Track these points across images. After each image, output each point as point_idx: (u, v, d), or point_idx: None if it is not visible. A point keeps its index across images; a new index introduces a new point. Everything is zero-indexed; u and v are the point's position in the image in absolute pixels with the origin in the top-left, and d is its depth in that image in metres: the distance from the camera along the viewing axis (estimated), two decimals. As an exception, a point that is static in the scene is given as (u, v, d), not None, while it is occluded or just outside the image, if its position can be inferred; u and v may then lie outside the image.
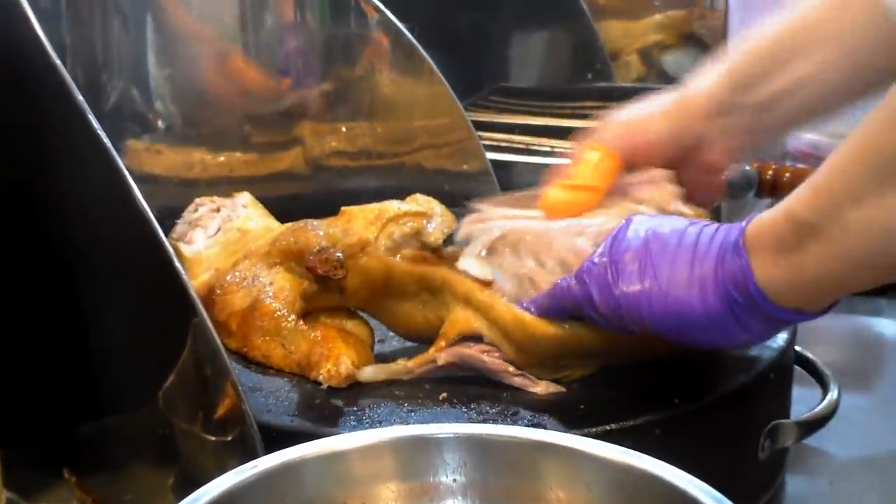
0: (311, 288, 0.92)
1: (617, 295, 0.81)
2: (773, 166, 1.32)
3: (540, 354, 0.89)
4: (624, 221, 0.85)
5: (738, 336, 0.79)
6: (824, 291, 0.76)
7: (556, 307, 0.87)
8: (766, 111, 0.94)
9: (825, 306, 0.78)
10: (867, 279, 0.74)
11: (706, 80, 0.96)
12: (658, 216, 0.87)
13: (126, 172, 0.79)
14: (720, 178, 1.01)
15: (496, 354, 0.90)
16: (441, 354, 0.90)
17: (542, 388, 0.89)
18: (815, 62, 0.91)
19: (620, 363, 0.91)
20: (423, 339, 0.94)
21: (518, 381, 0.89)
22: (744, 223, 0.78)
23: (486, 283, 0.89)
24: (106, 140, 0.79)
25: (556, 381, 0.90)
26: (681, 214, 0.91)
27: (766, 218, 0.77)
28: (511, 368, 0.89)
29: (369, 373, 0.91)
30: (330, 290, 0.92)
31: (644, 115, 0.98)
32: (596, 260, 0.84)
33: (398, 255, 0.92)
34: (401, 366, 0.91)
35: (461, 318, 0.90)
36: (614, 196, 0.95)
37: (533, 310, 0.88)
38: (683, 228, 0.81)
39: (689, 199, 0.96)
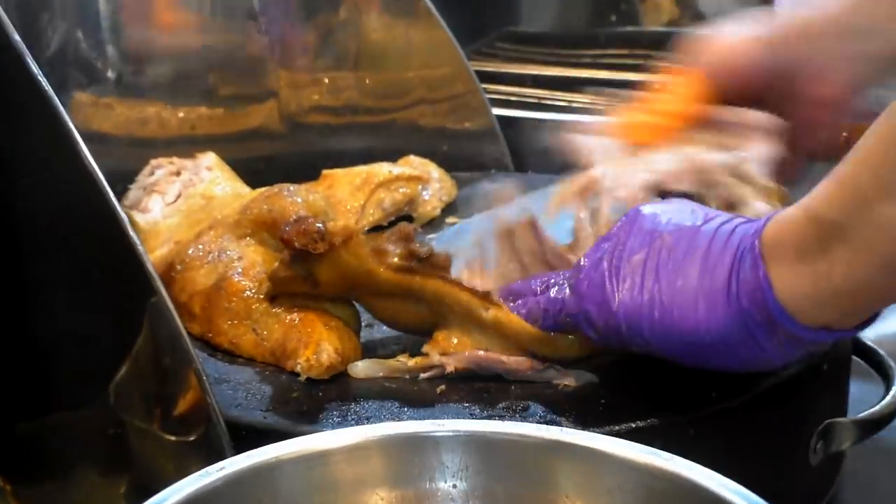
0: (283, 272, 0.92)
1: (615, 311, 0.80)
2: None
3: (568, 362, 0.90)
4: (628, 214, 0.84)
5: (755, 359, 0.78)
6: (856, 304, 0.74)
7: (551, 324, 0.87)
8: None
9: (859, 322, 0.75)
10: None
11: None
12: (673, 204, 0.85)
13: (72, 126, 0.79)
14: (833, 121, 0.97)
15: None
16: (448, 360, 0.90)
17: (573, 379, 0.89)
18: None
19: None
20: (415, 332, 0.95)
21: (546, 374, 0.90)
22: (762, 222, 0.77)
23: (486, 296, 0.90)
24: (48, 88, 0.79)
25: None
26: (750, 184, 0.92)
27: (784, 218, 0.75)
28: (535, 363, 0.90)
29: (362, 368, 0.92)
30: (303, 277, 0.91)
31: (744, 37, 0.96)
32: (594, 268, 0.82)
33: (383, 263, 0.90)
34: (400, 364, 0.92)
35: (467, 343, 0.91)
36: (699, 130, 0.96)
37: (524, 316, 0.88)
38: (697, 228, 0.79)
39: (785, 159, 0.95)
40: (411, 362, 0.91)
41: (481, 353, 0.90)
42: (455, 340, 0.91)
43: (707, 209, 0.83)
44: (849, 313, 0.75)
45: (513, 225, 0.96)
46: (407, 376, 0.91)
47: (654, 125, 0.94)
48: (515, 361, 0.90)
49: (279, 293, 0.95)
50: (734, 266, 0.76)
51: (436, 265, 0.90)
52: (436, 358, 0.91)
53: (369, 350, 0.96)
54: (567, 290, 0.85)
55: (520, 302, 0.89)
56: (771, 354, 0.78)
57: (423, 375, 0.91)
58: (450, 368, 0.90)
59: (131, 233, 0.79)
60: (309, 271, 0.91)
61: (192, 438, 0.82)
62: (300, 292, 0.94)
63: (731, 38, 0.96)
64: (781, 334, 0.75)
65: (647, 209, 0.84)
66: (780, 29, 0.95)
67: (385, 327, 0.98)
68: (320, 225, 0.88)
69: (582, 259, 0.85)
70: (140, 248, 0.79)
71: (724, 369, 0.82)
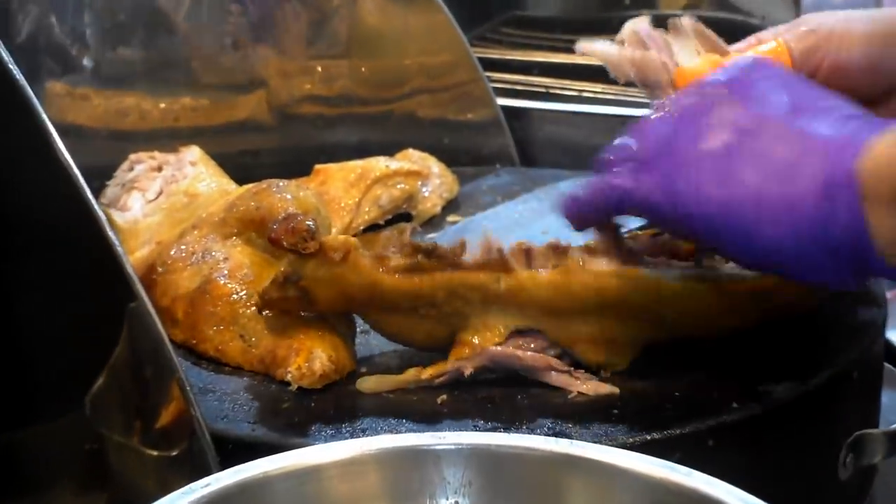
0: (274, 292, 0.92)
1: (687, 212, 0.80)
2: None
3: (585, 313, 0.90)
4: (722, 76, 0.84)
5: (823, 276, 0.78)
6: None
7: (593, 202, 0.87)
8: None
9: None
10: None
11: None
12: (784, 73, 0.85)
13: (46, 118, 0.79)
14: None
15: (532, 346, 0.91)
16: (465, 363, 0.91)
17: (590, 387, 0.90)
18: None
19: (668, 337, 0.91)
20: (423, 348, 0.95)
21: (563, 379, 0.90)
22: (871, 138, 0.75)
23: (495, 266, 0.90)
24: (20, 77, 0.79)
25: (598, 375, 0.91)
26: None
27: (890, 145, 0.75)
28: (556, 362, 0.90)
29: (373, 384, 0.92)
30: (297, 298, 0.91)
31: (848, 25, 0.94)
32: (663, 153, 0.82)
33: (387, 270, 0.90)
34: (412, 376, 0.92)
35: (489, 327, 0.91)
36: None
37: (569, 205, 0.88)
38: (810, 105, 0.79)
39: None
40: (425, 374, 0.91)
41: (496, 350, 0.91)
42: (476, 340, 0.91)
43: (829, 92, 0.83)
44: None
45: None
46: (413, 386, 0.92)
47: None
48: (532, 358, 0.91)
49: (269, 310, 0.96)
50: (828, 185, 0.75)
51: (444, 257, 0.90)
52: (450, 364, 0.91)
53: (365, 358, 0.96)
54: (629, 178, 0.84)
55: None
56: (832, 278, 0.78)
57: (437, 381, 0.91)
58: (467, 372, 0.90)
59: (109, 232, 0.80)
60: (304, 291, 0.91)
61: (175, 453, 0.83)
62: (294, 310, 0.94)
63: (835, 23, 0.94)
64: (860, 269, 0.76)
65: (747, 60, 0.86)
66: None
67: (382, 333, 0.98)
68: (311, 223, 0.88)
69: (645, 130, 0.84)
70: (119, 248, 0.80)
71: (782, 274, 0.84)
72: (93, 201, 0.80)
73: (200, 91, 1.38)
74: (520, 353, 0.91)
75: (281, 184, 1.03)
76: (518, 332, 0.92)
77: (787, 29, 0.95)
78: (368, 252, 0.91)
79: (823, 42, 0.93)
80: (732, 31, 1.62)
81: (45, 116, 0.80)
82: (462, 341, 0.92)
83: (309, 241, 0.89)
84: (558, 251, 0.91)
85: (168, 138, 1.30)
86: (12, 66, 0.80)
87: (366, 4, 1.44)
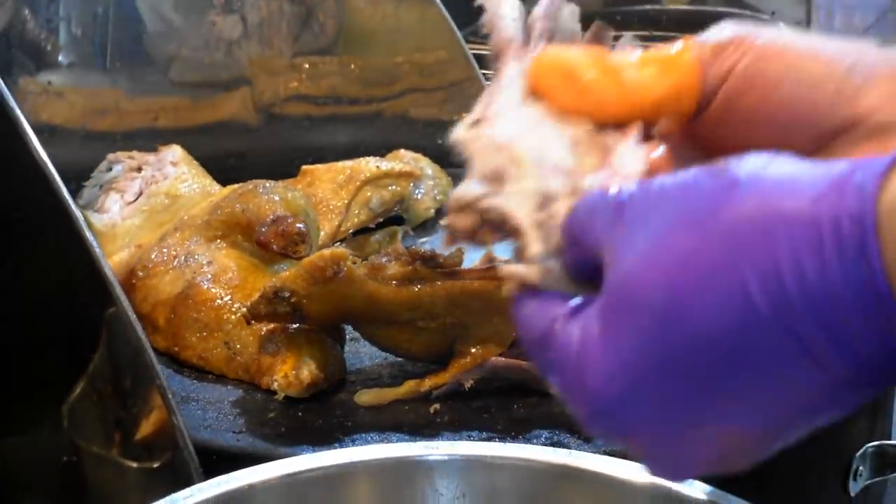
0: (263, 307, 0.91)
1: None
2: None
3: None
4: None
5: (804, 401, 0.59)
6: None
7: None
8: None
9: None
10: None
11: None
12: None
13: (20, 115, 0.80)
14: None
15: None
16: (466, 375, 0.91)
17: None
18: None
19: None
20: (421, 359, 0.95)
21: None
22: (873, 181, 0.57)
23: (497, 273, 0.90)
24: (-7, 73, 0.80)
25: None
26: None
27: None
28: None
29: (371, 398, 0.92)
30: (287, 313, 0.91)
31: (793, 44, 0.75)
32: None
33: (384, 281, 0.90)
34: (411, 389, 0.92)
35: (491, 337, 0.91)
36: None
37: None
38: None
39: None
40: (424, 385, 0.92)
41: (500, 359, 0.91)
42: (477, 350, 0.92)
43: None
44: None
45: None
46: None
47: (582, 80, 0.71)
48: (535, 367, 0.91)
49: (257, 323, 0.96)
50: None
51: (444, 264, 0.91)
52: (450, 375, 0.91)
53: (354, 365, 0.97)
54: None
55: None
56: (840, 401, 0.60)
57: (435, 393, 0.91)
58: (468, 384, 0.91)
59: (88, 234, 0.80)
60: (295, 307, 0.91)
61: (156, 465, 0.83)
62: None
63: (777, 39, 0.81)
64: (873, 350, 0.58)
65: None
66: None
67: (372, 341, 0.99)
68: (301, 226, 0.89)
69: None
70: (97, 251, 0.80)
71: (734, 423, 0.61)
72: (70, 202, 0.80)
73: (181, 89, 1.38)
74: (524, 363, 0.91)
75: (268, 185, 1.03)
76: None
77: (716, 42, 0.76)
78: (362, 261, 0.90)
79: (770, 62, 0.76)
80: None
81: (19, 113, 0.80)
82: (462, 352, 0.92)
83: (300, 244, 0.89)
84: None
85: (147, 138, 1.31)
86: (-15, 61, 0.80)
87: (355, -2, 1.44)
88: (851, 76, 0.73)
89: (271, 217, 0.94)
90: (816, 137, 0.74)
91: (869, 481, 0.94)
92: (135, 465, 0.84)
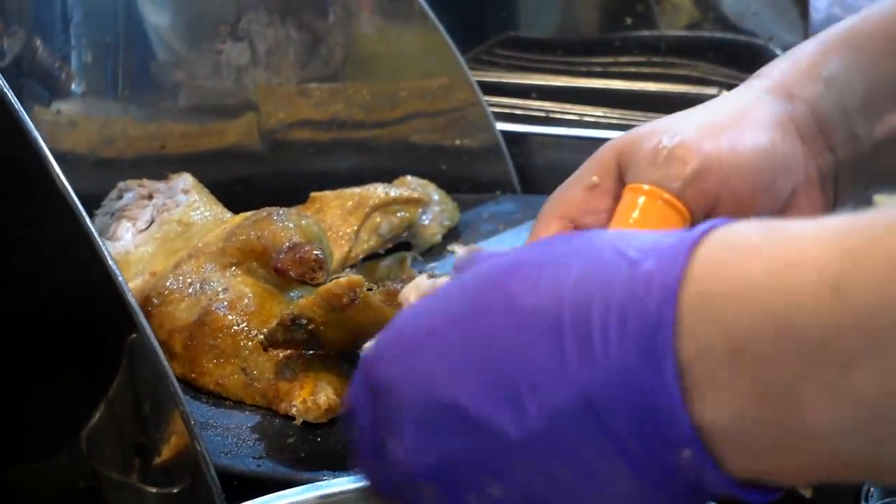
0: (281, 335, 0.92)
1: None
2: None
3: None
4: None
5: None
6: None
7: None
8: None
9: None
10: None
11: (802, 77, 0.84)
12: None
13: (43, 143, 0.81)
14: None
15: None
16: None
17: None
18: None
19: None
20: None
21: None
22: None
23: None
24: (16, 101, 0.81)
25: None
26: None
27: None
28: None
29: None
30: (304, 340, 0.92)
31: (732, 134, 0.81)
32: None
33: (396, 301, 0.90)
34: None
35: None
36: None
37: None
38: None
39: None
40: None
41: None
42: None
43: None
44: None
45: None
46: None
47: None
48: None
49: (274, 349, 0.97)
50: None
51: None
52: None
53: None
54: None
55: None
56: None
57: None
58: None
59: (109, 260, 0.81)
60: (312, 334, 0.92)
61: (176, 490, 0.84)
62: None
63: (713, 130, 0.82)
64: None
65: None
66: (780, 120, 0.83)
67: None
68: (318, 252, 0.90)
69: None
70: (119, 277, 0.81)
71: None
72: (91, 228, 0.81)
73: (188, 116, 1.39)
74: None
75: (281, 212, 1.04)
76: None
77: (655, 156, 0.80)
78: (378, 288, 0.91)
79: (723, 161, 0.80)
80: (737, 52, 1.65)
81: (42, 142, 0.81)
82: None
83: (317, 270, 0.90)
84: None
85: (155, 165, 1.31)
86: (8, 92, 0.81)
87: (361, 25, 1.45)
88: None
89: (287, 244, 0.95)
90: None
91: (880, 502, 0.95)
92: (154, 490, 0.85)
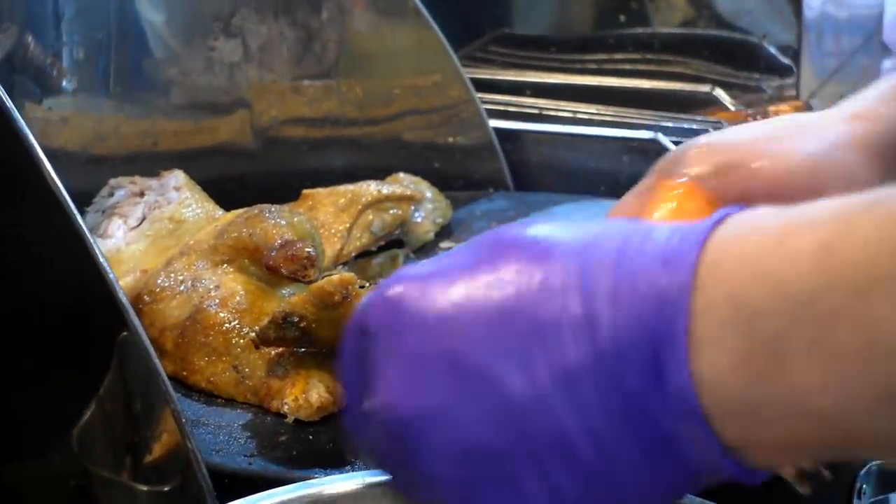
0: (272, 332, 0.93)
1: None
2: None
3: None
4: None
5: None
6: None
7: None
8: None
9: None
10: None
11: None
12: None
13: (34, 141, 0.81)
14: None
15: None
16: None
17: None
18: None
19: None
20: None
21: None
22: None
23: None
24: (6, 98, 0.81)
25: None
26: None
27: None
28: None
29: None
30: (296, 338, 0.92)
31: (787, 142, 0.81)
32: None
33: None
34: None
35: None
36: None
37: None
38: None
39: None
40: None
41: None
42: None
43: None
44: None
45: None
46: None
47: None
48: None
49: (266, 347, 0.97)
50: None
51: None
52: None
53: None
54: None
55: None
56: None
57: None
58: None
59: (101, 258, 0.81)
60: (304, 332, 0.92)
61: (167, 488, 0.84)
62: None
63: (764, 143, 0.83)
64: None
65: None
66: (848, 142, 0.83)
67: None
68: (310, 250, 0.90)
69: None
70: (111, 275, 0.81)
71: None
72: (83, 226, 0.81)
73: (180, 113, 1.39)
74: None
75: (273, 209, 1.04)
76: None
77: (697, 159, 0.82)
78: (369, 286, 0.91)
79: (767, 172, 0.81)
80: (731, 50, 1.65)
81: (33, 139, 0.81)
82: None
83: (309, 268, 0.90)
84: None
85: (147, 162, 1.31)
86: (-1, 89, 0.81)
87: (354, 22, 1.44)
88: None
89: (279, 241, 0.95)
90: None
91: (873, 499, 0.94)
92: (145, 488, 0.85)
